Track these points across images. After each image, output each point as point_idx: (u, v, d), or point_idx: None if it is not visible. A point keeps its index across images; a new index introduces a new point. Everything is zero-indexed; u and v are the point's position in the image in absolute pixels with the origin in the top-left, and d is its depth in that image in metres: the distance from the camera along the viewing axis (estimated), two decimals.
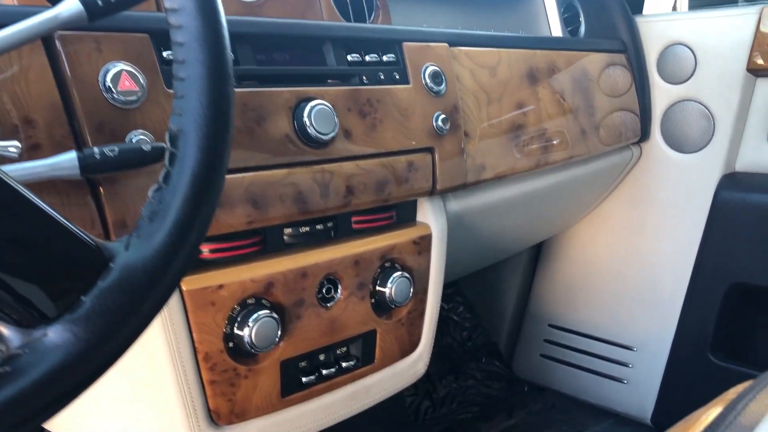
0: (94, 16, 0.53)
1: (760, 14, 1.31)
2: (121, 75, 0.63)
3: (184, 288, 0.70)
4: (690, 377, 1.44)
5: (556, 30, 1.41)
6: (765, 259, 1.32)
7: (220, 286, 0.72)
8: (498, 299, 1.80)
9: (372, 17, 1.01)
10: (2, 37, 0.50)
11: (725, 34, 1.35)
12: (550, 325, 1.70)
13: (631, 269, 1.54)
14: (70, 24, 0.52)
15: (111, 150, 0.55)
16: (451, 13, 1.26)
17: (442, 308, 1.80)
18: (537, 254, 1.74)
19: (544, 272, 1.72)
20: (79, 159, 0.56)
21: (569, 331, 1.67)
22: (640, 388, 1.55)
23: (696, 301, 1.43)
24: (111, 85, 0.63)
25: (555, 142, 1.16)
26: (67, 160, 0.56)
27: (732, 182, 1.38)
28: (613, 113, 1.36)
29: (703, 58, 1.38)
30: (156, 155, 0.60)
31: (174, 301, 0.69)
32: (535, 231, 1.48)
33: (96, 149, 0.56)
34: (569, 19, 1.45)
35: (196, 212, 0.44)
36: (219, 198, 0.47)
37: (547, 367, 1.71)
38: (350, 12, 0.98)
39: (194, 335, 0.71)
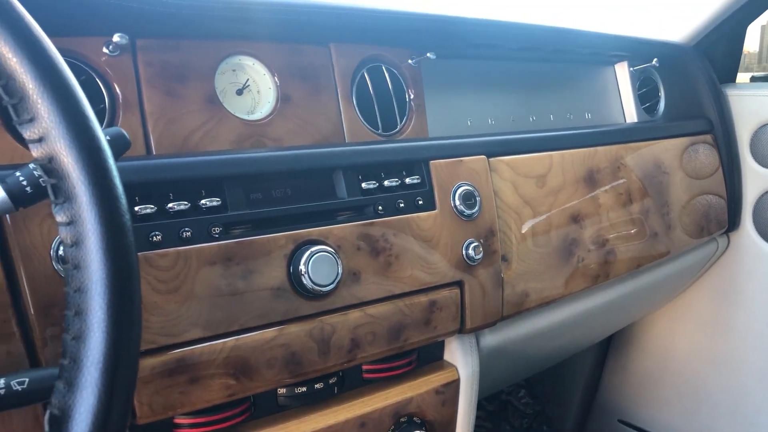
0: (19, 203, 0.45)
1: None
2: None
3: None
4: None
5: (630, 107, 1.24)
6: None
7: None
8: (564, 386, 1.63)
9: (404, 121, 0.89)
10: None
11: None
12: (620, 421, 1.53)
13: (713, 370, 1.35)
14: None
15: (20, 382, 0.46)
16: (505, 96, 1.12)
17: (500, 392, 1.66)
18: (609, 339, 1.57)
19: (615, 361, 1.54)
20: None
21: (641, 430, 1.48)
22: None
23: None
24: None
25: (618, 252, 1.00)
26: None
27: None
28: (694, 198, 1.19)
29: None
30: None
31: None
32: (599, 334, 1.31)
33: (2, 381, 0.45)
34: (646, 94, 1.28)
35: None
36: None
37: None
38: (378, 118, 0.87)
39: None
